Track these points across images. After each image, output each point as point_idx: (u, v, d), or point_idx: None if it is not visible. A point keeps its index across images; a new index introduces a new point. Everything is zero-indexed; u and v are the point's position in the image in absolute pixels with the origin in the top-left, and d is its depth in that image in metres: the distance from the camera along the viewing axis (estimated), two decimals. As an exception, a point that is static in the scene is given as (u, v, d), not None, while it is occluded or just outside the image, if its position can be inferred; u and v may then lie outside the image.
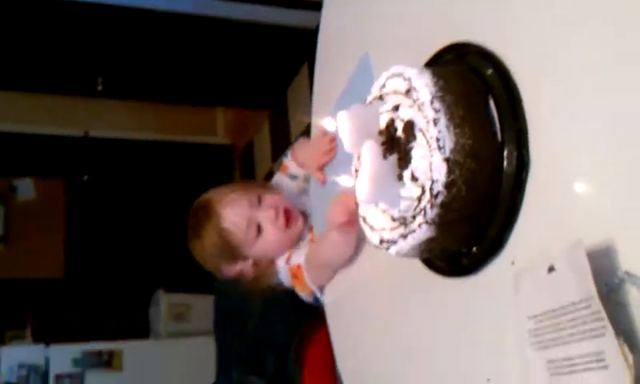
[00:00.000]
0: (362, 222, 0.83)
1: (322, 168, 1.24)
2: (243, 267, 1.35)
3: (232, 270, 1.35)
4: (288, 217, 1.31)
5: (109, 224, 4.17)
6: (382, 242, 0.78)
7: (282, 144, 3.51)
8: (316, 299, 1.25)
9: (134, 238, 4.16)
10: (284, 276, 1.30)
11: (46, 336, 3.46)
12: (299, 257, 1.26)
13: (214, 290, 1.90)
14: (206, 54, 3.54)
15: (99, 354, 3.31)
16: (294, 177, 1.38)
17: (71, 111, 4.25)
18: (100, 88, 3.80)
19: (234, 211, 1.30)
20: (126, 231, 4.08)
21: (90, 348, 3.31)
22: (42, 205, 4.24)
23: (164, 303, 3.54)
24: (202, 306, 3.34)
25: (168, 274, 3.73)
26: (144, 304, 3.87)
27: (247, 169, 4.08)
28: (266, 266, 1.33)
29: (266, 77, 3.72)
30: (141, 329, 3.78)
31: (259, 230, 1.30)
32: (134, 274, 4.14)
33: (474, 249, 0.77)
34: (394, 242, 0.76)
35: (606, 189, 0.63)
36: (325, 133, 1.19)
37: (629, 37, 0.61)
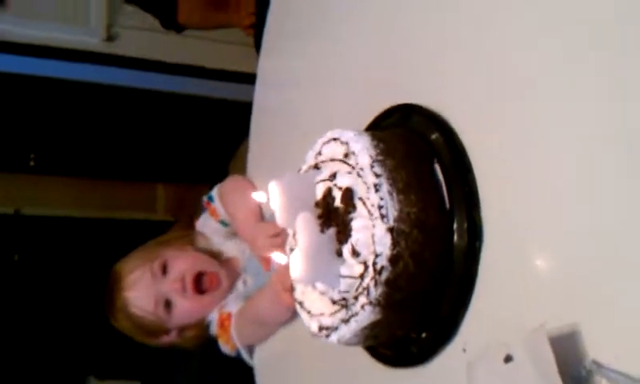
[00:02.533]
0: (298, 308, 0.73)
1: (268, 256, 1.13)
2: (168, 339, 1.23)
3: (158, 342, 1.24)
4: (201, 280, 1.17)
5: (38, 306, 3.93)
6: (321, 328, 0.68)
7: (223, 219, 3.40)
8: (238, 354, 1.15)
9: (64, 321, 3.92)
10: (213, 326, 1.19)
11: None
12: (234, 305, 1.16)
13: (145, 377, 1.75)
14: (144, 128, 3.46)
15: None
16: (225, 224, 1.23)
17: (1, 188, 4.05)
18: (32, 164, 3.64)
19: (138, 293, 1.17)
20: (56, 314, 3.85)
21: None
22: (-33, 286, 3.96)
23: (95, 392, 3.31)
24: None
25: (99, 359, 3.50)
26: (74, 393, 3.60)
27: (188, 245, 3.95)
28: (193, 327, 1.22)
29: (207, 152, 3.64)
30: (71, 419, 3.51)
31: (169, 304, 1.17)
32: (64, 360, 3.88)
33: (424, 334, 0.67)
34: (335, 329, 0.67)
35: (570, 262, 0.55)
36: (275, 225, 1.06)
37: (578, 87, 0.55)
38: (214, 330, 1.18)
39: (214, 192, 1.22)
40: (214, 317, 1.18)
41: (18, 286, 4.01)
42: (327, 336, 0.68)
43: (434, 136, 0.69)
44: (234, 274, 1.22)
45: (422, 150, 0.68)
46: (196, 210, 1.33)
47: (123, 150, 3.67)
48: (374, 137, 0.68)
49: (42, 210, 4.16)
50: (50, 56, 2.84)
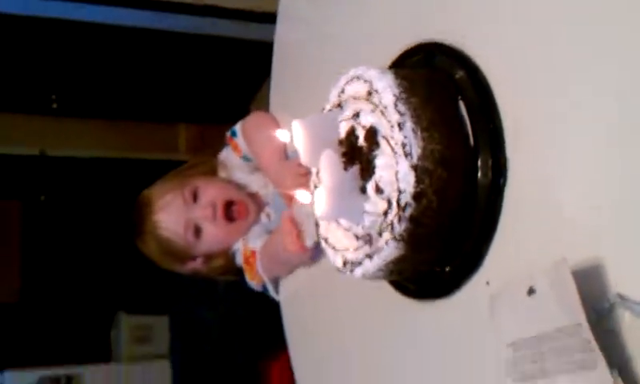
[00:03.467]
0: (323, 243, 0.74)
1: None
2: (194, 265, 1.25)
3: (183, 268, 1.26)
4: (230, 209, 1.19)
5: (66, 246, 4.01)
6: (345, 263, 0.70)
7: (244, 159, 3.41)
8: (264, 288, 1.17)
9: (92, 259, 4.01)
10: (239, 257, 1.21)
11: (0, 362, 3.30)
12: (256, 241, 1.17)
13: (173, 314, 1.80)
14: (165, 69, 3.44)
15: (57, 379, 3.16)
16: (247, 159, 1.23)
17: (26, 129, 4.09)
18: (55, 106, 3.65)
19: (168, 217, 1.18)
20: (84, 253, 3.93)
21: (47, 373, 3.16)
22: (-4, 226, 4.05)
23: (125, 326, 3.41)
24: (165, 328, 3.22)
25: (129, 295, 3.59)
26: (105, 327, 3.72)
27: (209, 185, 3.98)
28: (219, 256, 1.24)
29: (228, 92, 3.63)
30: (101, 352, 3.63)
31: (198, 230, 1.19)
32: (94, 296, 3.99)
33: (448, 268, 0.68)
34: (359, 264, 0.68)
35: (594, 198, 0.55)
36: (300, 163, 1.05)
37: (610, 33, 0.54)
38: (240, 262, 1.19)
39: (237, 127, 1.22)
40: (239, 246, 1.20)
41: (45, 226, 4.09)
42: (352, 271, 0.69)
43: (458, 74, 0.69)
44: (259, 206, 1.23)
45: (446, 88, 0.68)
46: (218, 149, 1.34)
47: (145, 91, 3.67)
48: (397, 75, 0.68)
49: (66, 151, 4.20)
50: (69, -3, 2.81)
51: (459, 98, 0.67)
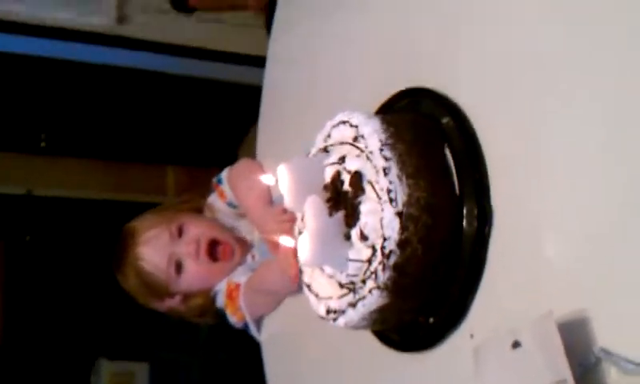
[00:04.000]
0: (306, 290, 0.73)
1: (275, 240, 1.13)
2: (172, 303, 1.22)
3: (160, 305, 1.24)
4: (215, 248, 1.17)
5: (50, 287, 3.95)
6: (328, 312, 0.68)
7: (232, 202, 3.40)
8: (245, 326, 1.15)
9: (75, 301, 3.94)
10: (220, 296, 1.19)
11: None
12: (241, 276, 1.16)
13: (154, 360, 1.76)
14: (155, 110, 3.45)
15: (36, 427, 3.07)
16: (232, 205, 1.23)
17: (13, 168, 4.07)
18: (43, 145, 3.64)
19: (152, 250, 1.17)
20: (67, 295, 3.88)
21: (26, 421, 3.07)
22: (-21, 266, 3.99)
23: (105, 372, 3.34)
24: (145, 375, 3.15)
25: (110, 340, 3.52)
26: (85, 372, 3.64)
27: (197, 228, 3.95)
28: (198, 296, 1.21)
29: (217, 135, 3.64)
30: (82, 399, 3.54)
31: (180, 266, 1.17)
32: (75, 340, 3.91)
33: (432, 319, 0.67)
34: (342, 312, 0.66)
35: (579, 249, 0.55)
36: (284, 209, 1.05)
37: (598, 80, 0.54)
38: (222, 300, 1.17)
39: (224, 174, 1.22)
40: (221, 287, 1.18)
41: (29, 266, 4.04)
42: (335, 319, 0.68)
43: (444, 120, 0.69)
44: (244, 249, 1.21)
45: (432, 135, 0.68)
46: (205, 193, 1.33)
47: (134, 132, 3.67)
48: (383, 120, 0.68)
49: (54, 190, 4.18)
50: (61, 37, 2.83)
51: (445, 144, 0.67)
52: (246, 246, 1.22)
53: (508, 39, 0.64)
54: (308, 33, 1.10)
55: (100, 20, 2.80)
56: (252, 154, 1.30)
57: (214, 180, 1.24)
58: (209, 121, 3.50)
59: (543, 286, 0.57)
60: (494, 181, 0.64)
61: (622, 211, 0.51)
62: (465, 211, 0.65)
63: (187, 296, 1.21)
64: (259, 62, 1.40)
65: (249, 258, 1.21)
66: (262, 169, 1.19)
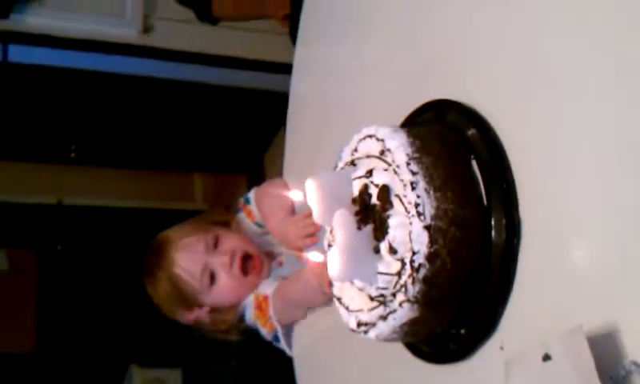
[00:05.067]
0: (336, 303, 0.74)
1: (301, 249, 1.16)
2: (199, 314, 1.24)
3: (187, 316, 1.26)
4: (246, 263, 1.20)
5: (82, 296, 4.02)
6: (359, 325, 0.69)
7: (259, 208, 3.43)
8: (275, 338, 1.17)
9: (107, 309, 4.01)
10: (249, 310, 1.21)
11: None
12: (268, 287, 1.18)
13: (186, 367, 1.78)
14: (181, 119, 3.49)
15: (70, 433, 3.12)
16: (260, 225, 1.25)
17: (44, 179, 4.15)
18: (73, 155, 3.71)
19: (188, 256, 1.19)
20: (99, 303, 3.94)
21: (60, 427, 3.12)
22: (13, 276, 4.08)
23: (137, 379, 3.38)
24: (177, 382, 3.18)
25: (141, 347, 3.57)
26: (117, 380, 3.69)
27: (225, 234, 3.99)
28: (225, 312, 1.23)
29: (243, 141, 3.67)
30: (114, 406, 3.59)
31: (213, 277, 1.19)
32: (107, 347, 3.97)
33: (463, 331, 0.68)
34: (373, 325, 0.67)
35: (611, 262, 0.55)
36: (309, 213, 1.08)
37: (617, 83, 0.54)
38: (251, 314, 1.19)
39: (251, 194, 1.25)
40: (249, 301, 1.20)
41: (61, 275, 4.11)
42: (366, 332, 0.69)
43: (470, 132, 0.69)
44: (271, 265, 1.23)
45: (458, 147, 0.68)
46: (233, 198, 1.35)
47: (161, 141, 3.72)
48: (410, 133, 0.68)
49: (84, 200, 4.25)
50: (87, 49, 2.88)
51: (472, 156, 0.68)
52: (272, 257, 1.24)
53: (532, 48, 0.65)
54: (333, 42, 1.11)
55: (126, 31, 2.84)
56: (278, 159, 1.32)
57: (242, 199, 1.26)
58: (235, 128, 3.53)
59: (573, 298, 0.57)
60: (521, 190, 0.64)
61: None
62: (493, 222, 0.65)
63: (215, 308, 1.23)
64: (284, 68, 1.41)
65: (274, 265, 1.23)
66: (287, 187, 1.21)
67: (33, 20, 2.74)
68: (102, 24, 2.83)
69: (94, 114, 3.45)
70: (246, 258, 1.20)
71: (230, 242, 1.20)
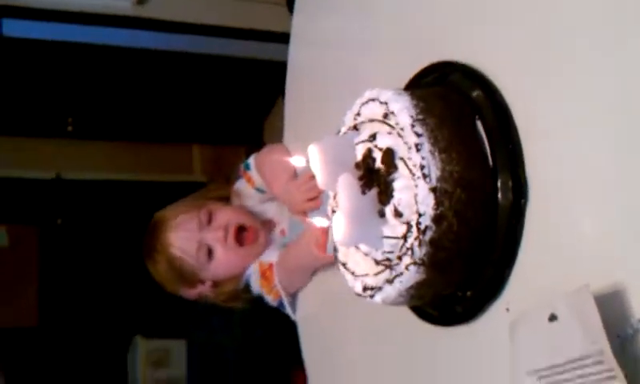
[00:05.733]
0: (342, 268, 0.73)
1: (305, 213, 1.16)
2: (202, 290, 1.25)
3: (190, 293, 1.27)
4: (241, 234, 1.20)
5: (84, 269, 4.03)
6: (365, 289, 0.69)
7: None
8: (281, 304, 1.18)
9: (109, 282, 4.02)
10: (254, 278, 1.22)
11: (20, 385, 3.30)
12: (273, 255, 1.19)
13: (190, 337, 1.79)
14: (178, 90, 3.47)
15: (75, 403, 3.16)
16: (261, 190, 1.25)
17: (41, 153, 4.13)
18: (70, 129, 3.69)
19: (182, 235, 1.19)
20: (101, 276, 3.95)
21: (65, 397, 3.16)
22: (14, 252, 4.09)
23: (142, 349, 3.41)
24: (182, 352, 3.21)
25: (145, 319, 3.59)
26: (121, 351, 3.72)
27: (225, 206, 3.98)
28: (228, 282, 1.24)
29: (241, 112, 3.65)
30: (118, 376, 3.63)
31: (210, 252, 1.20)
32: (111, 320, 4.00)
33: (469, 293, 0.67)
34: (380, 289, 0.67)
35: (616, 221, 0.54)
36: (312, 176, 1.07)
37: (628, 44, 0.53)
38: (256, 282, 1.20)
39: (251, 160, 1.24)
40: (253, 270, 1.20)
41: (62, 249, 4.11)
42: (372, 296, 0.68)
43: (475, 93, 0.68)
44: (270, 232, 1.24)
45: (463, 108, 0.67)
46: (232, 169, 1.35)
47: (158, 113, 3.70)
48: (413, 96, 0.67)
49: (82, 173, 4.24)
50: (82, 22, 2.85)
51: (477, 117, 0.67)
52: (272, 227, 1.24)
53: (535, 6, 0.63)
54: (331, 9, 1.10)
55: (120, 3, 2.80)
56: (277, 128, 1.31)
57: (242, 166, 1.26)
58: (233, 98, 3.51)
59: (580, 259, 0.57)
60: (527, 151, 0.64)
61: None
62: (499, 183, 0.64)
63: (217, 282, 1.24)
64: (281, 37, 1.40)
65: (277, 234, 1.24)
66: (288, 152, 1.20)
67: (26, -6, 2.71)
68: (96, -4, 2.79)
69: (90, 88, 3.42)
70: (241, 230, 1.20)
71: (224, 215, 1.21)
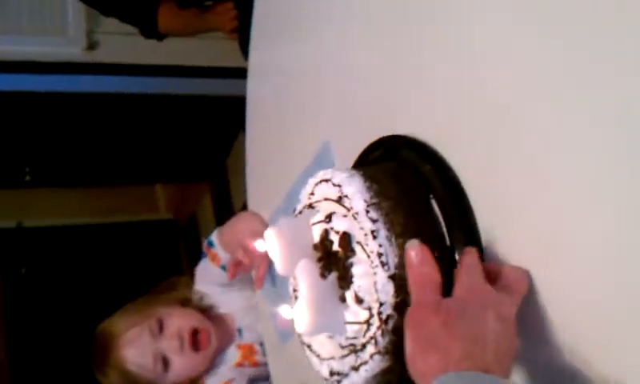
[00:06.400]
0: (307, 351, 0.73)
1: (247, 252, 1.12)
2: None
3: None
4: (196, 338, 1.19)
5: (50, 318, 3.95)
6: (332, 374, 0.68)
7: (224, 214, 3.41)
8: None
9: (75, 330, 3.94)
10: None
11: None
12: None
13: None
14: (137, 131, 3.44)
15: None
16: (225, 269, 1.22)
17: (1, 203, 4.05)
18: (28, 178, 3.63)
19: (136, 352, 1.18)
20: (69, 324, 3.87)
21: None
22: (-22, 303, 3.98)
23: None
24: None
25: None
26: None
27: (192, 242, 3.94)
28: None
29: (204, 149, 3.63)
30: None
31: (166, 362, 1.19)
32: (80, 371, 3.91)
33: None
34: (346, 375, 0.66)
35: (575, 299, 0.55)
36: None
37: (576, 117, 0.54)
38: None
39: (214, 235, 1.22)
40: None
41: (27, 298, 4.03)
42: (339, 382, 0.68)
43: (425, 168, 0.68)
44: (223, 331, 1.25)
45: (416, 187, 0.67)
46: (197, 206, 1.34)
47: (118, 155, 3.66)
48: (366, 177, 0.67)
49: (44, 220, 4.17)
50: (33, 71, 2.82)
51: (430, 196, 0.67)
52: (225, 328, 1.25)
53: (481, 83, 0.64)
54: (286, 47, 1.10)
55: (71, 49, 2.78)
56: (240, 163, 1.30)
57: (205, 243, 1.24)
58: (194, 135, 3.49)
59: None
60: (483, 226, 0.64)
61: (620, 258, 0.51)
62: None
63: None
64: (237, 73, 1.40)
65: (234, 338, 1.26)
66: (253, 220, 1.17)
67: (-26, 47, 2.67)
68: (45, 45, 2.78)
69: (47, 135, 3.37)
70: (194, 333, 1.20)
71: (175, 321, 1.20)
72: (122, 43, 2.80)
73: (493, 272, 0.59)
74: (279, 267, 0.70)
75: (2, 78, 2.87)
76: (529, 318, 0.58)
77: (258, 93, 1.24)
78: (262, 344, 1.24)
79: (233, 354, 1.25)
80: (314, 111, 0.99)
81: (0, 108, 3.05)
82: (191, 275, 1.33)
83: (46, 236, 4.24)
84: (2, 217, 4.15)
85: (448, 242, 0.65)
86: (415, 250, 0.58)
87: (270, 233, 0.70)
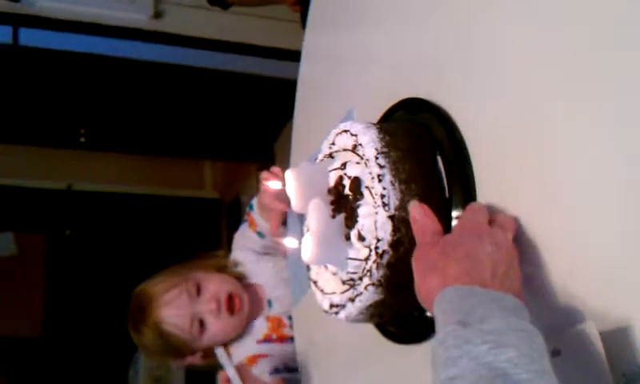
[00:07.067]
0: (312, 287, 0.82)
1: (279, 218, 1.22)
2: (192, 360, 1.31)
3: (180, 363, 1.33)
4: (232, 302, 1.26)
5: (89, 281, 4.14)
6: (331, 306, 0.78)
7: (268, 197, 3.50)
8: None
9: (115, 295, 4.11)
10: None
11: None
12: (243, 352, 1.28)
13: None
14: (192, 105, 3.56)
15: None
16: (261, 235, 1.31)
17: (53, 164, 4.26)
18: (83, 140, 3.81)
19: (174, 312, 1.24)
20: (107, 288, 4.05)
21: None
22: (21, 260, 4.21)
23: (143, 366, 3.49)
24: (182, 369, 3.29)
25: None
26: (123, 367, 3.81)
27: (234, 223, 4.08)
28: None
29: (254, 129, 3.74)
30: (119, 391, 3.71)
31: (202, 324, 1.25)
32: (114, 334, 4.08)
33: (427, 312, 0.76)
34: (343, 307, 0.76)
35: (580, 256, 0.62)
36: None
37: (580, 88, 0.61)
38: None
39: (254, 200, 1.29)
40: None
41: (69, 260, 4.23)
42: (336, 313, 0.77)
43: (437, 129, 0.77)
44: (255, 301, 1.31)
45: (425, 143, 0.76)
46: (241, 187, 1.43)
47: (172, 127, 3.81)
48: (381, 130, 0.76)
49: (93, 185, 4.37)
50: (98, 33, 2.95)
51: (437, 153, 0.75)
52: (257, 297, 1.32)
53: (495, 56, 0.72)
54: (337, 33, 1.16)
55: (137, 16, 2.91)
56: (288, 147, 1.36)
57: (248, 208, 1.32)
58: (245, 115, 3.61)
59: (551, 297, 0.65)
60: (480, 184, 0.72)
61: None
62: (453, 214, 0.73)
63: (208, 352, 1.30)
64: (295, 56, 1.48)
65: (264, 307, 1.33)
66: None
67: (44, 3, 2.81)
68: (112, 8, 2.89)
69: (104, 99, 3.54)
70: (230, 298, 1.26)
71: (212, 285, 1.27)
72: (187, 15, 2.93)
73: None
74: (294, 204, 0.80)
75: (68, 37, 3.00)
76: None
77: (309, 75, 1.29)
78: (290, 317, 1.30)
79: (261, 325, 1.31)
80: (356, 97, 1.05)
81: (63, 68, 3.22)
82: (229, 251, 1.40)
83: (93, 201, 4.43)
84: (54, 177, 4.36)
85: (447, 195, 0.74)
86: (417, 208, 0.68)
87: (289, 173, 0.80)
